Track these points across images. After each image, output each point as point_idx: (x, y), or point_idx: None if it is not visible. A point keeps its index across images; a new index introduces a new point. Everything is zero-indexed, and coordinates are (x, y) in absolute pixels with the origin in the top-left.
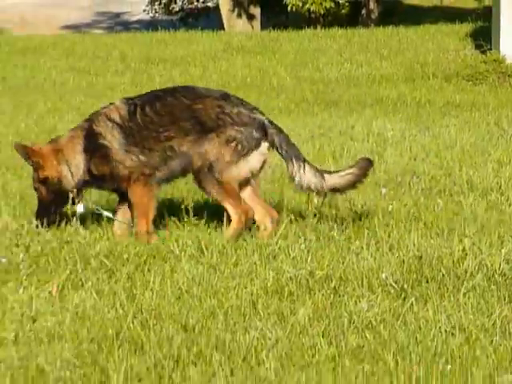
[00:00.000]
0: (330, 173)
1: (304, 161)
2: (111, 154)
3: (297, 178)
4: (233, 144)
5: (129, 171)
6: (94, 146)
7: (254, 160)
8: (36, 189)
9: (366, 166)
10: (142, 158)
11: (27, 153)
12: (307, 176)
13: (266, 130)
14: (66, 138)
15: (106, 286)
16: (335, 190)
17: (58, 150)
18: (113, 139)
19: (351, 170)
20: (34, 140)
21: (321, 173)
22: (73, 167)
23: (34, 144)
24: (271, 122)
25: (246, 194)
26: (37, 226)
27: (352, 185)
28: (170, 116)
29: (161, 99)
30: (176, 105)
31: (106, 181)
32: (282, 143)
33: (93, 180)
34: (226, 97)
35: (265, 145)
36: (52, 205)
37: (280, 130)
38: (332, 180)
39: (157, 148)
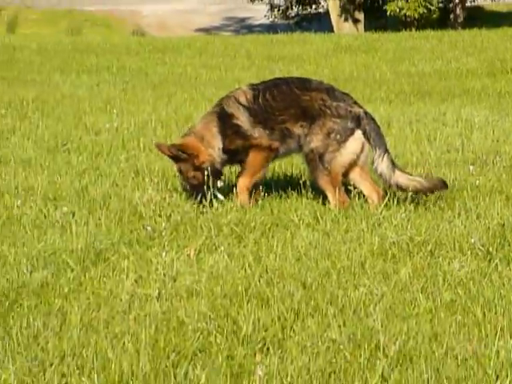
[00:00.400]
0: (402, 171)
1: (385, 152)
2: (242, 130)
3: (374, 164)
4: (333, 134)
5: (257, 142)
6: (227, 125)
7: (352, 145)
8: (191, 177)
9: (438, 184)
10: (266, 131)
11: (182, 149)
12: (382, 165)
13: (360, 120)
14: (201, 125)
15: (236, 250)
16: (399, 187)
17: (202, 137)
18: (242, 118)
19: (421, 180)
20: (175, 125)
21: (394, 168)
22: (216, 148)
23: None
24: (366, 114)
25: (356, 173)
26: (200, 204)
27: (415, 191)
28: (284, 102)
29: (277, 87)
30: (288, 93)
31: (238, 154)
32: (371, 133)
33: (228, 155)
34: (330, 91)
35: (358, 132)
36: (204, 184)
37: (373, 122)
38: (399, 178)
39: (276, 128)
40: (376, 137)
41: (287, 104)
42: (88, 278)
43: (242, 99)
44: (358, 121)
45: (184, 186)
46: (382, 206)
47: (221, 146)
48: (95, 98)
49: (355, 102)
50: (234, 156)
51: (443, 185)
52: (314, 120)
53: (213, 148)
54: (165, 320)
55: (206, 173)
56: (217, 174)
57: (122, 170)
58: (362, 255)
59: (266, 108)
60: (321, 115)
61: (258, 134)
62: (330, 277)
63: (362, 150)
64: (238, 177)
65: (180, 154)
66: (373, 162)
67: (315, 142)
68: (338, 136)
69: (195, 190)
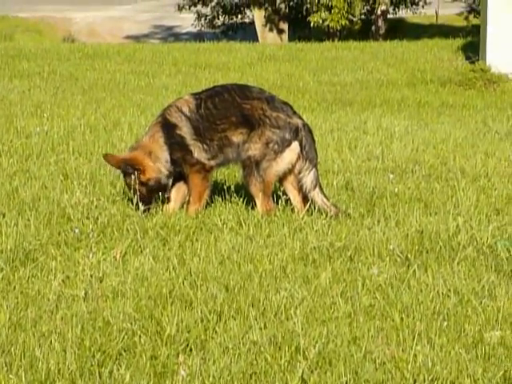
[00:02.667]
0: (321, 191)
1: (314, 167)
2: (184, 141)
3: (301, 174)
4: (271, 144)
5: (194, 161)
6: (171, 135)
7: (288, 156)
8: (136, 190)
9: (342, 214)
10: (205, 146)
11: (131, 163)
12: (306, 178)
13: (298, 132)
14: (147, 137)
15: (161, 253)
16: (312, 202)
17: (149, 151)
18: (185, 129)
19: (331, 206)
20: (103, 130)
21: (316, 185)
22: (163, 160)
23: (114, 155)
24: (304, 126)
25: (288, 181)
26: (143, 213)
27: (322, 211)
28: (225, 110)
29: (219, 95)
30: (230, 101)
31: (177, 166)
32: (306, 145)
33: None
34: (270, 100)
35: (295, 143)
36: (151, 197)
37: (310, 135)
38: (316, 196)
39: (215, 138)
40: (309, 150)
41: (228, 112)
42: (17, 277)
43: (185, 109)
44: (296, 132)
45: (132, 194)
46: (304, 211)
47: (168, 157)
48: (26, 102)
49: (295, 113)
50: (176, 167)
51: (347, 216)
52: (254, 128)
53: (160, 162)
54: (91, 320)
55: (152, 187)
56: (164, 188)
57: (51, 173)
58: (283, 259)
59: (207, 117)
60: (260, 124)
61: (197, 152)
62: (252, 280)
63: (297, 161)
64: (187, 206)
65: (127, 169)
66: (299, 172)
67: (253, 150)
68: (276, 146)
69: (141, 202)
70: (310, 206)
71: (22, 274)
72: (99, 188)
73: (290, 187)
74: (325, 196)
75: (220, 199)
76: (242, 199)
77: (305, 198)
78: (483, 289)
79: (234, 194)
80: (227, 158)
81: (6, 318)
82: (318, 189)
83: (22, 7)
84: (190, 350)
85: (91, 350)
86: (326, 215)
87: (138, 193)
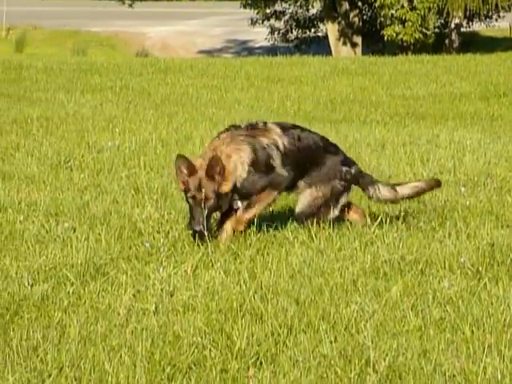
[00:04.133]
0: (400, 185)
1: (375, 183)
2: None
3: (374, 199)
4: (334, 193)
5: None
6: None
7: (343, 199)
8: (208, 199)
9: (434, 183)
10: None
11: (218, 169)
12: (382, 193)
13: (358, 178)
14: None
15: (231, 266)
16: (407, 197)
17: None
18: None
19: (419, 184)
20: (175, 144)
21: (393, 187)
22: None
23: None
24: (360, 171)
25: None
26: (201, 234)
27: (419, 194)
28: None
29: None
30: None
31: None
32: (363, 182)
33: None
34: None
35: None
36: (217, 209)
37: (366, 174)
38: (403, 190)
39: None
40: (366, 180)
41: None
42: (87, 291)
43: (279, 143)
44: (356, 179)
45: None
46: (376, 224)
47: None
48: (98, 117)
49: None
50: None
51: (437, 181)
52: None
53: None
54: (161, 334)
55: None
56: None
57: (123, 188)
58: (354, 273)
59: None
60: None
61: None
62: (323, 293)
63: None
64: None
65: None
66: (370, 197)
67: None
68: (338, 194)
69: (207, 215)
70: (386, 214)
71: (92, 288)
72: (170, 202)
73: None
74: (405, 183)
75: (290, 213)
76: None
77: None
78: None
79: None
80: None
81: (76, 332)
82: (398, 187)
83: (96, 22)
84: (261, 363)
85: (161, 363)
86: (397, 228)
87: (208, 205)
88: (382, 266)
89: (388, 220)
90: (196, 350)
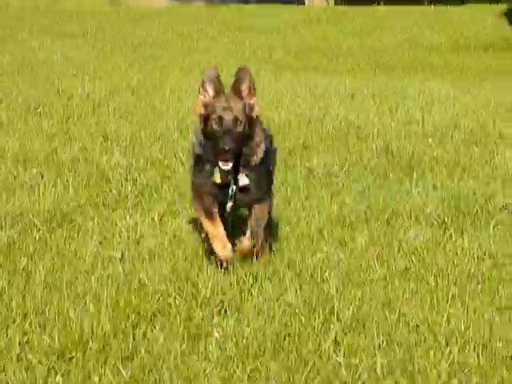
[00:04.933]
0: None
1: None
2: None
3: None
4: None
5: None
6: None
7: None
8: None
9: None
10: None
11: (248, 83)
12: None
13: None
14: None
15: None
16: None
17: None
18: None
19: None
20: (145, 92)
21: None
22: None
23: None
24: None
25: None
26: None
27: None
28: None
29: None
30: None
31: None
32: None
33: None
34: None
35: None
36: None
37: None
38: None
39: None
40: None
41: None
42: (54, 238)
43: None
44: None
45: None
46: (343, 170)
47: None
48: (69, 64)
49: None
50: None
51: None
52: None
53: None
54: (126, 281)
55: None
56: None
57: (91, 135)
58: (320, 222)
59: None
60: None
61: None
62: (289, 242)
63: None
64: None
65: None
66: None
67: None
68: None
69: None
70: (357, 163)
71: (59, 234)
72: (139, 150)
73: None
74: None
75: None
76: (280, 163)
77: None
78: None
79: None
80: None
81: (41, 278)
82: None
83: None
84: (225, 311)
85: (126, 311)
86: (364, 179)
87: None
88: (349, 216)
89: (355, 170)
90: (161, 298)
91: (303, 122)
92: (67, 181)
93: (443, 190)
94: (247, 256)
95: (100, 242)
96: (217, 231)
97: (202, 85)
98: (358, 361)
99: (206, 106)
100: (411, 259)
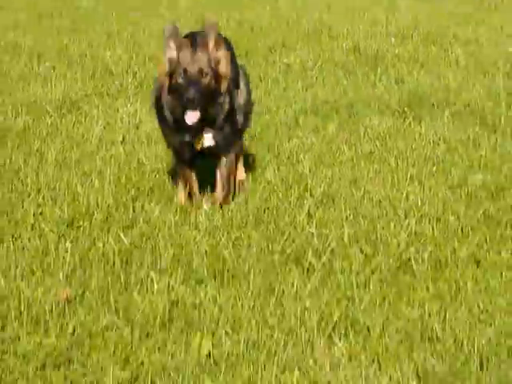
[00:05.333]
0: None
1: None
2: None
3: None
4: None
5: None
6: None
7: None
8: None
9: None
10: None
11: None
12: None
13: None
14: None
15: None
16: None
17: None
18: None
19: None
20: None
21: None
22: None
23: None
24: None
25: None
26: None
27: None
28: None
29: None
30: None
31: None
32: None
33: None
34: None
35: None
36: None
37: None
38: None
39: None
40: None
41: None
42: (64, 123)
43: None
44: None
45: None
46: (315, 68)
47: None
48: None
49: None
50: None
51: None
52: None
53: None
54: (127, 161)
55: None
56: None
57: (97, 33)
58: (296, 111)
59: None
60: None
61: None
62: (269, 129)
63: None
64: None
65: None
66: None
67: None
68: None
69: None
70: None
71: (68, 120)
72: (138, 46)
73: None
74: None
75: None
76: (262, 59)
77: None
78: (469, 139)
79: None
80: None
81: (53, 158)
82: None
83: None
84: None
85: (126, 186)
86: (335, 73)
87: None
88: (321, 106)
89: (327, 65)
90: (157, 175)
91: (283, 23)
92: (75, 73)
93: (404, 83)
94: (222, 204)
95: (104, 127)
96: (183, 180)
97: (165, 43)
98: (328, 231)
99: (170, 62)
100: (375, 144)
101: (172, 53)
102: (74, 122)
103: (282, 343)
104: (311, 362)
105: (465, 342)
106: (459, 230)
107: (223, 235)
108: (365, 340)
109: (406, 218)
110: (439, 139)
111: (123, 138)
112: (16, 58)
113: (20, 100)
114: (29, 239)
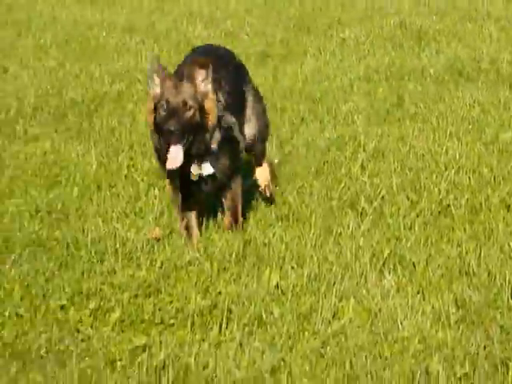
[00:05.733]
0: None
1: None
2: None
3: None
4: None
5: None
6: None
7: None
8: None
9: None
10: None
11: (205, 72)
12: None
13: None
14: None
15: (259, 71)
16: None
17: None
18: None
19: None
20: None
21: None
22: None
23: None
24: None
25: None
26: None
27: None
28: None
29: None
30: None
31: None
32: None
33: None
34: None
35: None
36: (194, 130)
37: None
38: None
39: None
40: None
41: None
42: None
43: None
44: None
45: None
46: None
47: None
48: None
49: None
50: None
51: None
52: None
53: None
54: None
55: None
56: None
57: (181, 11)
58: (351, 79)
59: None
60: None
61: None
62: (328, 94)
63: None
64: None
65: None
66: None
67: None
68: None
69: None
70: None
71: None
72: (216, 24)
73: None
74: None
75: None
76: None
77: None
78: (500, 102)
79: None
80: None
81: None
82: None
83: None
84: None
85: None
86: (385, 46)
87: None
88: (373, 74)
89: (377, 40)
90: None
91: (339, 5)
92: (162, 46)
93: (444, 54)
94: (234, 230)
95: None
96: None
97: (149, 78)
98: (378, 181)
99: (155, 97)
100: (419, 106)
101: (156, 88)
102: None
103: (340, 276)
104: (364, 292)
105: (497, 276)
106: (492, 180)
107: (288, 184)
108: (411, 274)
109: (445, 169)
110: (474, 102)
111: None
112: (111, 34)
113: (115, 70)
114: (123, 187)
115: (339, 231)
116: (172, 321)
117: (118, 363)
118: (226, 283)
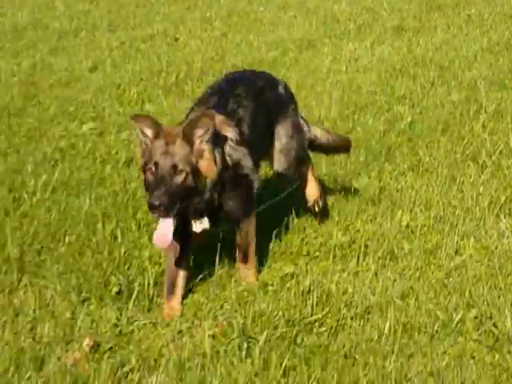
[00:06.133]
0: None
1: None
2: None
3: None
4: None
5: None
6: None
7: None
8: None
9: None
10: None
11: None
12: None
13: None
14: None
15: (396, 43)
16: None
17: None
18: None
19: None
20: None
21: None
22: None
23: None
24: None
25: None
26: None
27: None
28: None
29: None
30: None
31: None
32: None
33: None
34: None
35: None
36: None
37: None
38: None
39: None
40: None
41: None
42: (302, 57)
43: None
44: None
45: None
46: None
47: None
48: None
49: None
50: None
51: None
52: None
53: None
54: (348, 85)
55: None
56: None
57: None
58: (475, 50)
59: None
60: None
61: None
62: (454, 62)
63: None
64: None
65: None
66: None
67: None
68: None
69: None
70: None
71: (305, 55)
72: (358, 1)
73: None
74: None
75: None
76: (449, 10)
77: None
78: None
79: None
80: None
81: (294, 82)
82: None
83: None
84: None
85: (348, 104)
86: None
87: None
88: (494, 46)
89: (499, 16)
90: (370, 96)
91: None
92: (311, 20)
93: None
94: (245, 269)
95: (332, 60)
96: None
97: (140, 131)
98: (497, 138)
99: (143, 153)
100: None
101: (147, 142)
102: (309, 56)
103: (462, 218)
104: (483, 232)
105: None
106: None
107: (419, 139)
108: None
109: None
110: None
111: (346, 68)
112: (268, 9)
113: (270, 39)
114: None
115: (462, 180)
116: (317, 253)
117: (270, 287)
118: (363, 222)
